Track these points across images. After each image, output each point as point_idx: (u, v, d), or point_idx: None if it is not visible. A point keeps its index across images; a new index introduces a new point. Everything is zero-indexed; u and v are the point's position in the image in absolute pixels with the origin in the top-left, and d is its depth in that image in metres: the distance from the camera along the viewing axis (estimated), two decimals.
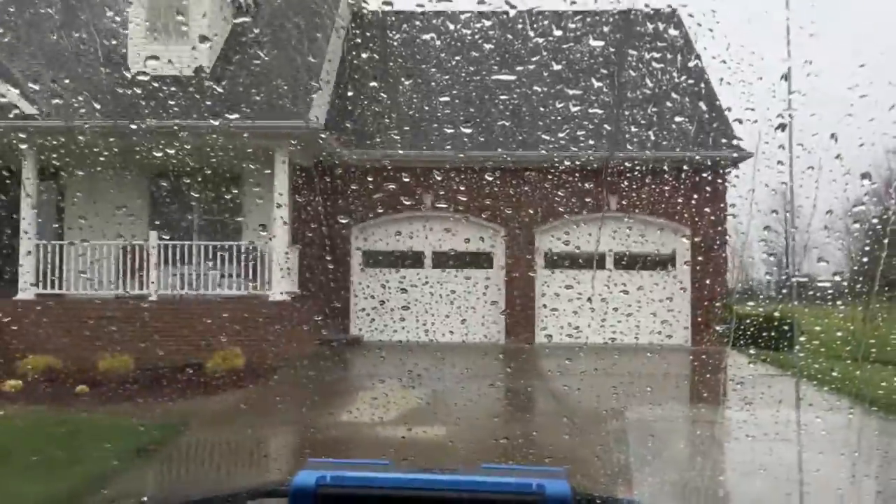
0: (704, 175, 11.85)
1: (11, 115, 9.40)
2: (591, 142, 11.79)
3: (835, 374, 6.46)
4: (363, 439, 6.04)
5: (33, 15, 11.70)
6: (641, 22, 13.03)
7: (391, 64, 13.87)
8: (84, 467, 4.84)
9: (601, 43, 13.50)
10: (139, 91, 10.11)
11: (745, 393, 7.36)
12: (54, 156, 10.12)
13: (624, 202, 11.76)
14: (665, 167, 11.61)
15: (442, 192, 11.58)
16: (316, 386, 8.42)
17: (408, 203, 11.57)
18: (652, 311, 11.56)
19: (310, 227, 11.29)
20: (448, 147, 11.94)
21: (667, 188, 11.64)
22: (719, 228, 11.71)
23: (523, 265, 11.94)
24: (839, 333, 6.80)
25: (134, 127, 9.10)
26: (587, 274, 11.94)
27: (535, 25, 13.69)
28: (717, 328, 11.22)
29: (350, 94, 12.80)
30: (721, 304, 11.47)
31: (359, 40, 14.07)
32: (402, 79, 13.04)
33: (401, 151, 11.82)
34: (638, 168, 11.54)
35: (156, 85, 10.29)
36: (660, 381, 8.18)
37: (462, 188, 11.71)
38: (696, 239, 11.82)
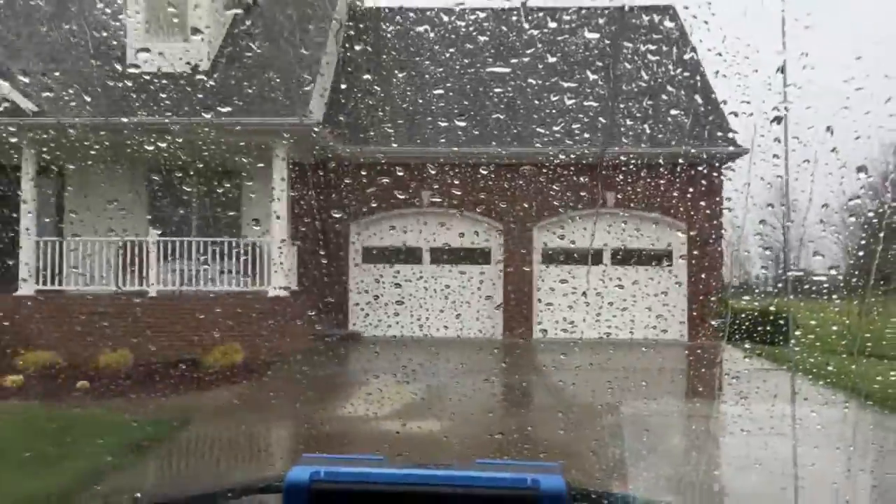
0: (701, 169, 11.84)
1: (10, 112, 9.45)
2: (588, 136, 11.76)
3: (830, 368, 6.46)
4: (361, 434, 6.06)
5: (31, 12, 11.69)
6: (637, 14, 12.97)
7: (384, 57, 13.79)
8: (86, 462, 4.86)
9: (596, 35, 13.44)
10: (137, 87, 10.17)
11: (741, 387, 7.38)
12: (53, 152, 10.17)
13: (621, 197, 11.74)
14: (661, 161, 11.60)
15: (439, 188, 11.57)
16: (314, 381, 8.46)
17: (405, 199, 11.57)
18: (648, 306, 11.57)
19: (307, 222, 11.29)
20: (443, 141, 11.90)
21: (663, 183, 11.63)
22: (715, 223, 11.71)
23: (520, 260, 11.94)
24: (834, 328, 6.80)
25: (132, 123, 9.24)
26: (584, 269, 11.95)
27: (529, 18, 13.62)
28: (713, 323, 11.24)
29: (345, 88, 12.75)
30: (717, 299, 11.49)
31: (353, 34, 13.98)
32: (397, 72, 12.98)
33: (397, 147, 11.83)
34: (634, 163, 11.52)
35: (154, 81, 10.31)
36: (657, 376, 8.20)
37: (459, 183, 11.71)
38: (692, 233, 11.82)
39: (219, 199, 11.18)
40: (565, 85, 12.41)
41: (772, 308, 8.13)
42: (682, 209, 11.75)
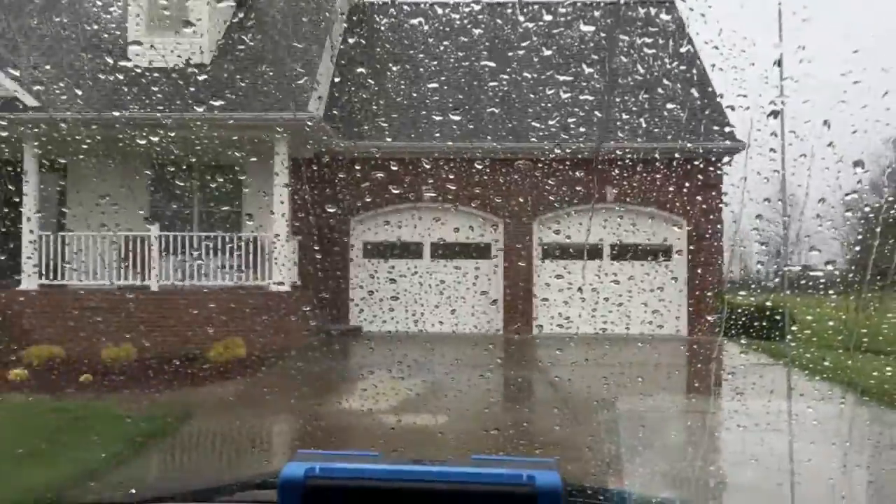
0: (701, 164, 11.83)
1: (12, 107, 9.51)
2: (591, 131, 11.73)
3: (826, 363, 6.47)
4: (362, 428, 6.09)
5: (32, 6, 11.68)
6: (633, 7, 12.90)
7: (378, 50, 13.71)
8: (92, 455, 4.89)
9: (592, 28, 13.38)
10: (136, 82, 10.25)
11: (742, 382, 7.39)
12: (55, 147, 10.25)
13: (620, 192, 11.74)
14: (661, 156, 11.60)
15: (438, 183, 11.57)
16: (316, 375, 8.54)
17: (405, 194, 11.58)
18: (647, 301, 11.58)
19: (309, 217, 11.34)
20: (442, 136, 11.88)
21: (663, 178, 11.65)
22: (714, 217, 11.71)
23: (521, 256, 11.96)
24: (831, 323, 6.80)
25: (132, 118, 9.31)
26: (584, 264, 11.97)
27: (524, 11, 13.54)
28: (713, 318, 11.26)
29: (343, 83, 12.71)
30: (716, 294, 11.51)
31: (347, 27, 13.90)
32: (394, 66, 12.93)
33: (397, 142, 11.85)
34: (634, 157, 11.52)
35: (153, 76, 10.37)
36: (659, 371, 8.22)
37: (458, 178, 11.71)
38: (691, 229, 11.83)
39: (219, 195, 11.27)
40: (561, 78, 12.36)
41: (770, 303, 8.14)
42: (681, 204, 11.76)
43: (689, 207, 11.72)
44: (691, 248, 11.82)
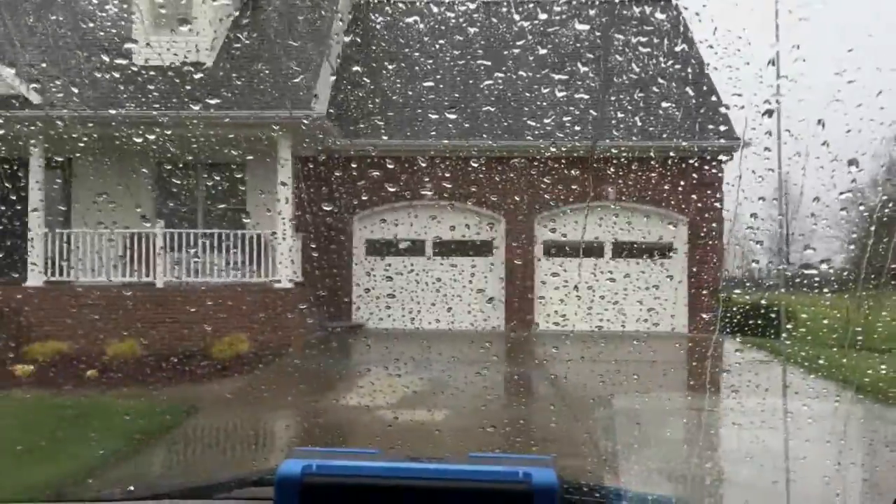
0: (701, 162, 11.87)
1: (19, 105, 9.58)
2: (586, 129, 11.74)
3: (821, 361, 6.51)
4: (361, 424, 6.13)
5: (39, 5, 11.63)
6: (628, 6, 12.92)
7: (376, 50, 13.69)
8: (99, 449, 4.93)
9: (587, 27, 13.38)
10: (142, 81, 10.30)
11: (741, 379, 7.43)
12: (61, 145, 10.33)
13: (622, 190, 11.79)
14: (662, 155, 11.65)
15: (440, 181, 11.61)
16: (318, 372, 8.64)
17: (407, 192, 11.61)
18: (648, 299, 11.62)
19: (312, 215, 11.37)
20: (435, 134, 11.89)
21: (663, 176, 11.71)
22: (713, 215, 11.75)
23: (523, 253, 12.03)
24: (825, 321, 6.84)
25: (137, 116, 9.44)
26: (586, 262, 12.03)
27: (519, 9, 13.52)
28: (714, 315, 11.31)
29: (343, 82, 12.72)
30: (718, 292, 11.58)
31: (353, 27, 13.90)
32: (398, 64, 12.94)
33: (400, 140, 11.91)
34: (635, 156, 11.56)
35: (158, 75, 10.43)
36: (660, 368, 8.25)
37: (460, 177, 11.74)
38: (692, 227, 11.89)
39: (223, 192, 11.36)
40: (556, 77, 12.37)
41: (773, 301, 8.16)
42: (681, 202, 11.80)
43: (689, 205, 11.78)
44: (691, 245, 11.88)
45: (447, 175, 11.61)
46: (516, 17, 13.42)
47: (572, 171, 11.70)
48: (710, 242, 11.77)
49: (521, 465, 1.11)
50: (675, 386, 7.80)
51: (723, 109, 11.90)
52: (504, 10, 13.73)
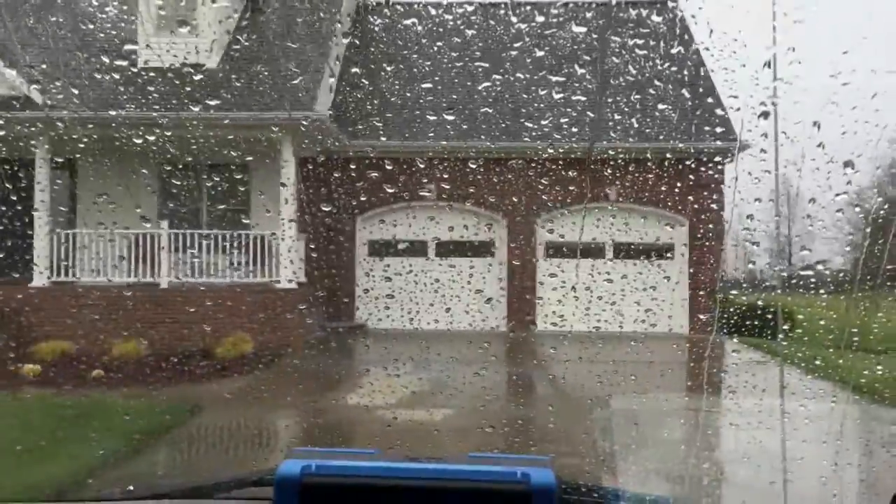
0: (701, 164, 11.89)
1: (24, 106, 9.59)
2: (584, 131, 11.77)
3: (817, 361, 6.53)
4: (364, 423, 6.17)
5: (44, 6, 11.69)
6: (624, 8, 12.96)
7: (375, 52, 13.71)
8: (107, 447, 4.96)
9: (584, 29, 13.41)
10: (145, 82, 10.33)
11: (742, 380, 7.45)
12: (65, 146, 10.35)
13: (622, 191, 11.84)
14: (663, 156, 11.69)
15: (442, 182, 11.65)
16: (320, 372, 8.67)
17: (410, 193, 11.65)
18: (649, 299, 11.64)
19: (315, 216, 11.41)
20: (432, 136, 11.92)
21: (664, 177, 11.75)
22: (715, 217, 11.78)
23: (524, 254, 12.07)
24: (822, 322, 6.86)
25: (141, 117, 9.45)
26: (586, 263, 12.05)
27: (517, 12, 13.55)
28: (714, 316, 11.34)
29: (343, 84, 12.74)
30: (717, 293, 11.61)
31: (351, 29, 13.91)
32: (389, 67, 12.95)
33: (399, 142, 11.91)
34: (636, 157, 11.59)
35: (162, 76, 10.46)
36: (653, 369, 8.26)
37: (462, 178, 11.78)
38: (692, 228, 11.92)
39: (226, 193, 11.39)
40: (553, 79, 12.41)
41: (763, 302, 8.19)
42: (682, 203, 11.85)
43: (689, 206, 11.82)
44: (691, 246, 11.92)
45: (447, 176, 11.64)
46: (514, 19, 13.46)
47: (574, 173, 11.75)
48: (710, 244, 11.80)
49: (520, 465, 1.12)
50: (676, 387, 7.82)
51: (719, 111, 11.94)
52: (502, 12, 13.76)
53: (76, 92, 9.94)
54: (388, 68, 12.96)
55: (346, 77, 12.95)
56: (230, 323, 9.32)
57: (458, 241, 12.16)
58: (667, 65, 11.99)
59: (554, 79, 12.35)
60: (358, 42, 13.98)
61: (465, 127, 12.25)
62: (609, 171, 11.80)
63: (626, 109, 11.89)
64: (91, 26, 11.20)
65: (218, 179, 11.36)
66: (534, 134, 11.82)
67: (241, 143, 10.27)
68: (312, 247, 11.29)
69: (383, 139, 11.95)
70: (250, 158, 10.96)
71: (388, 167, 11.74)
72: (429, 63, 13.21)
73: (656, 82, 11.80)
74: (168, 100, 10.03)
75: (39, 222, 10.09)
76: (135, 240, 10.24)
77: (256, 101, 10.24)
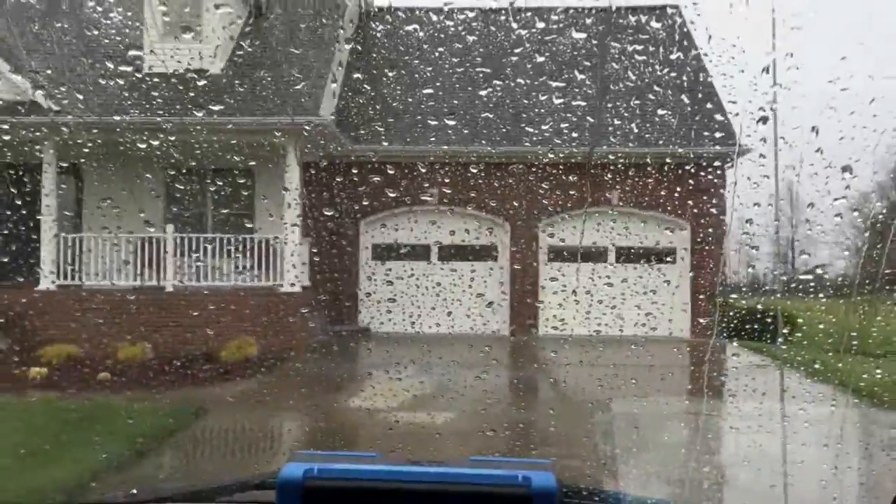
0: (703, 168, 11.94)
1: (31, 111, 9.63)
2: (583, 136, 11.82)
3: (817, 365, 6.55)
4: (366, 426, 6.19)
5: (51, 12, 11.79)
6: (624, 15, 13.03)
7: (377, 57, 13.78)
8: (115, 448, 4.99)
9: (584, 36, 13.47)
10: (150, 88, 10.41)
11: (742, 383, 7.45)
12: (72, 151, 10.40)
13: (624, 196, 11.89)
14: (665, 161, 11.73)
15: (445, 187, 11.71)
16: (324, 375, 8.68)
17: (413, 197, 11.72)
18: (652, 303, 11.66)
19: (318, 220, 11.46)
20: (434, 140, 11.95)
21: (667, 182, 11.79)
22: (716, 221, 11.80)
23: (526, 258, 12.09)
24: (821, 326, 6.88)
25: (147, 123, 9.49)
26: (590, 267, 12.07)
27: (517, 18, 13.62)
28: (714, 320, 11.35)
29: (345, 90, 12.80)
30: (717, 297, 11.62)
31: (354, 35, 13.98)
32: (391, 73, 13.02)
33: (404, 146, 11.97)
34: (637, 162, 11.63)
35: (167, 82, 10.51)
36: (655, 372, 8.27)
37: (464, 183, 11.83)
38: (694, 232, 11.95)
39: (231, 197, 11.48)
40: (554, 84, 12.46)
41: (763, 306, 8.21)
42: (684, 207, 11.88)
43: (691, 211, 11.85)
44: (693, 250, 11.95)
45: (449, 180, 11.69)
46: (514, 25, 13.52)
47: (575, 177, 11.79)
48: (711, 248, 11.83)
49: (521, 468, 1.12)
50: (677, 390, 7.83)
51: (719, 116, 11.98)
52: (502, 18, 13.83)
53: (81, 97, 10.01)
54: (390, 74, 13.03)
55: (349, 82, 13.02)
56: (234, 326, 9.38)
57: (460, 245, 12.21)
58: (666, 70, 12.04)
59: (554, 84, 12.41)
60: (360, 48, 14.05)
61: (466, 132, 12.30)
62: (610, 175, 11.84)
63: (626, 115, 11.94)
64: (96, 32, 11.27)
65: (222, 184, 11.45)
66: (534, 139, 11.87)
67: (244, 147, 10.35)
68: (316, 251, 11.35)
69: (385, 144, 12.01)
70: (254, 163, 11.05)
71: (391, 172, 11.79)
72: (430, 69, 13.28)
73: (656, 88, 11.84)
74: (172, 105, 10.12)
75: (45, 226, 10.15)
76: (140, 244, 10.29)
77: (260, 107, 10.33)
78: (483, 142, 11.91)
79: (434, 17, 13.75)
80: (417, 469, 1.15)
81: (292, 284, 10.23)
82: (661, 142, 11.89)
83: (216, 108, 10.00)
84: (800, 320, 8.80)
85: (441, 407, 6.49)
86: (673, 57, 12.36)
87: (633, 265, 12.13)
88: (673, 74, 12.33)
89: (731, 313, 9.21)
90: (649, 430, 5.65)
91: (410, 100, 12.88)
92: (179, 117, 9.54)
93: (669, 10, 13.43)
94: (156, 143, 9.65)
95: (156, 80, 10.54)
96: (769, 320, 7.64)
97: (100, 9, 11.84)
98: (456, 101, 12.81)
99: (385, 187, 11.75)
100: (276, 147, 10.34)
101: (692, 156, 11.93)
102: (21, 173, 10.81)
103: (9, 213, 10.98)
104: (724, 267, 11.82)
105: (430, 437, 5.42)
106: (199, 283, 10.21)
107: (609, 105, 12.26)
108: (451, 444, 5.12)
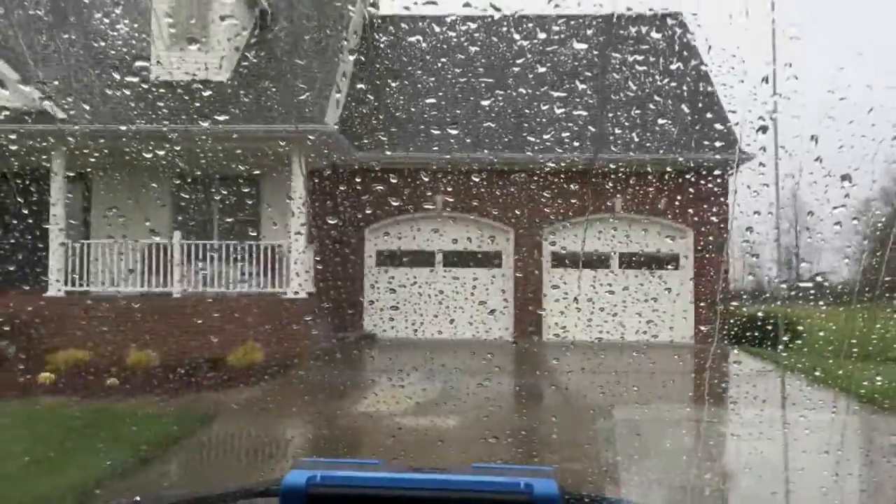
0: (707, 176, 11.98)
1: (40, 119, 9.74)
2: (585, 145, 11.90)
3: (818, 373, 6.57)
4: (369, 432, 6.22)
5: (59, 21, 11.91)
6: (625, 25, 13.13)
7: (380, 67, 13.90)
8: (124, 454, 5.04)
9: (584, 46, 13.58)
10: (157, 96, 10.53)
11: (743, 390, 7.46)
12: (81, 160, 10.50)
13: (625, 204, 11.94)
14: (668, 168, 11.79)
15: (449, 194, 11.79)
16: (329, 381, 8.70)
17: (416, 205, 11.80)
18: (654, 310, 11.67)
19: (323, 228, 11.54)
20: (437, 149, 12.04)
21: (671, 190, 11.84)
22: (718, 228, 11.84)
23: (529, 266, 12.16)
24: (822, 333, 6.90)
25: (154, 131, 9.57)
26: (593, 274, 12.11)
27: (519, 28, 13.75)
28: (715, 327, 11.36)
29: (349, 99, 12.92)
30: (719, 304, 11.63)
31: (357, 45, 14.11)
32: (394, 83, 13.14)
33: (408, 154, 12.06)
34: (640, 170, 11.69)
35: (173, 91, 10.63)
36: (657, 379, 8.29)
37: (468, 190, 11.90)
38: (697, 239, 11.99)
39: (236, 205, 11.55)
40: (555, 94, 12.56)
41: (764, 312, 8.25)
42: (688, 215, 11.94)
43: (695, 218, 11.91)
44: (697, 257, 11.99)
45: (452, 189, 11.77)
46: (516, 36, 13.62)
47: (577, 185, 11.87)
48: (713, 255, 11.86)
49: (523, 475, 1.12)
50: (679, 397, 7.85)
51: (719, 125, 12.05)
52: (504, 29, 13.94)
53: (89, 107, 10.11)
54: (394, 84, 13.15)
55: (353, 92, 13.14)
56: (239, 333, 9.43)
57: (463, 252, 12.28)
58: (667, 80, 12.13)
59: (556, 94, 12.51)
60: (364, 58, 14.18)
61: (469, 140, 12.39)
62: (612, 183, 11.91)
63: (628, 123, 12.02)
64: (103, 43, 11.38)
65: (227, 192, 11.53)
66: (537, 147, 11.95)
67: (250, 156, 10.44)
68: (320, 258, 11.40)
69: (389, 153, 12.11)
70: (259, 172, 11.14)
71: (394, 180, 11.88)
72: (433, 78, 13.39)
73: (657, 97, 11.92)
74: (179, 114, 10.24)
75: (53, 234, 10.25)
76: (146, 251, 10.37)
77: (265, 116, 10.45)
78: (486, 150, 12.00)
79: (437, 28, 13.87)
80: (420, 476, 1.15)
81: (297, 291, 10.29)
82: (662, 150, 11.96)
83: (222, 117, 10.12)
84: (800, 327, 8.83)
85: (444, 413, 6.52)
86: (674, 67, 12.44)
87: (635, 272, 12.17)
88: (674, 84, 12.41)
89: (732, 320, 9.25)
90: (651, 436, 5.67)
91: (414, 109, 12.99)
92: (185, 126, 9.64)
93: (670, 21, 13.54)
94: (162, 151, 9.77)
95: (162, 90, 10.67)
96: (770, 327, 7.67)
97: (107, 20, 11.97)
98: (459, 111, 12.91)
99: (389, 195, 11.84)
100: (281, 156, 10.44)
101: (693, 164, 11.99)
102: (29, 182, 10.92)
103: (17, 221, 11.10)
104: (725, 274, 11.83)
105: (433, 443, 5.45)
106: (205, 289, 10.29)
107: (611, 114, 12.35)
108: (453, 450, 5.15)
